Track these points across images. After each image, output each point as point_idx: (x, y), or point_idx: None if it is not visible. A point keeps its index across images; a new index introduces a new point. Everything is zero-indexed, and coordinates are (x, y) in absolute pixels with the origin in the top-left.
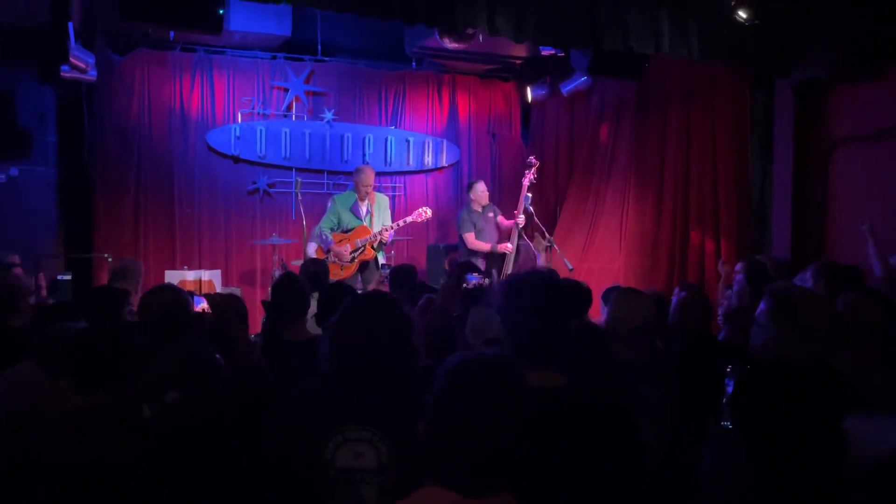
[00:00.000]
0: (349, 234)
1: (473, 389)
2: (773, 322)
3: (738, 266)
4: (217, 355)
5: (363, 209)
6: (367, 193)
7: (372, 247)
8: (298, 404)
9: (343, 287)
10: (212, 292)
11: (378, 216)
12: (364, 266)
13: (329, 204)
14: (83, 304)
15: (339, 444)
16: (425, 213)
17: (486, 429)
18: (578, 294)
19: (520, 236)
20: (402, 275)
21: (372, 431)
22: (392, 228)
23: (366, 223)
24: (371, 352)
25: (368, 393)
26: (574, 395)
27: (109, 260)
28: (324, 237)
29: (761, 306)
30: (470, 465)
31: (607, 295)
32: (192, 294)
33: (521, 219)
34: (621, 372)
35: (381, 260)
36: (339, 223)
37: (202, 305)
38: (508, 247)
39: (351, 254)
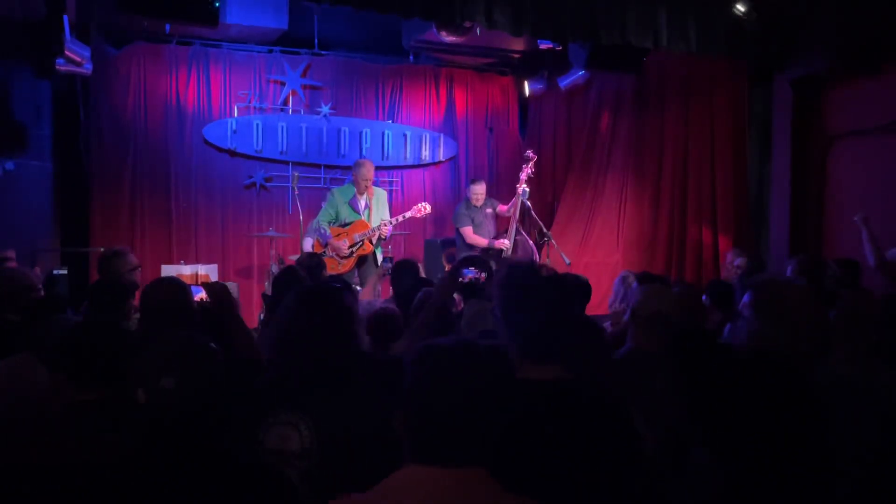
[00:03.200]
0: (347, 228)
1: (444, 371)
2: (756, 314)
3: (738, 261)
4: (212, 344)
5: (362, 203)
6: (366, 187)
7: (370, 241)
8: (245, 390)
9: (339, 282)
10: (209, 281)
11: (377, 210)
12: (362, 261)
13: (327, 197)
14: (91, 296)
15: (269, 426)
16: (424, 208)
17: (457, 407)
18: (579, 288)
19: (517, 231)
20: (403, 270)
21: (298, 415)
22: (391, 224)
23: (364, 217)
24: (306, 341)
25: (301, 380)
26: (573, 388)
27: None
28: (322, 231)
29: (745, 299)
30: (442, 442)
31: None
32: (189, 287)
33: (506, 243)
34: (636, 362)
35: (379, 255)
36: (337, 217)
37: (200, 295)
38: (505, 243)
39: (349, 248)
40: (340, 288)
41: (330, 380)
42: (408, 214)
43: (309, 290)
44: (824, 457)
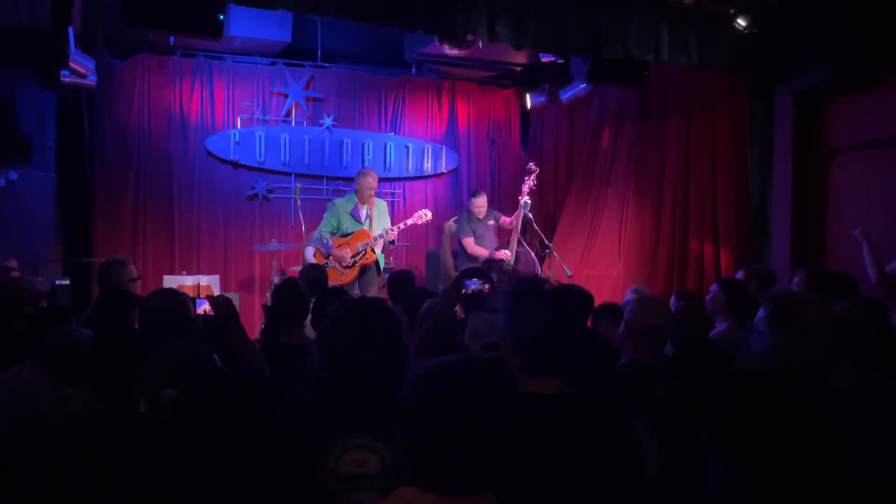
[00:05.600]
0: (349, 237)
1: (445, 394)
2: (773, 328)
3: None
4: (214, 356)
5: (363, 213)
6: (369, 197)
7: (373, 250)
8: (295, 412)
9: (340, 293)
10: (213, 294)
11: (378, 220)
12: (364, 270)
13: (328, 208)
14: (97, 306)
15: (341, 452)
16: (425, 214)
17: (461, 433)
18: (582, 300)
19: (519, 243)
20: (399, 281)
21: (373, 437)
22: (393, 230)
23: (366, 227)
24: (366, 357)
25: (365, 399)
26: (578, 402)
27: None
28: (324, 241)
29: (760, 313)
30: (445, 470)
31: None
32: (194, 300)
33: (507, 254)
34: (633, 375)
35: (383, 264)
36: (338, 227)
37: (204, 307)
38: (506, 254)
39: (352, 257)
40: (387, 302)
41: (390, 396)
42: (409, 221)
43: (361, 304)
44: (854, 471)
